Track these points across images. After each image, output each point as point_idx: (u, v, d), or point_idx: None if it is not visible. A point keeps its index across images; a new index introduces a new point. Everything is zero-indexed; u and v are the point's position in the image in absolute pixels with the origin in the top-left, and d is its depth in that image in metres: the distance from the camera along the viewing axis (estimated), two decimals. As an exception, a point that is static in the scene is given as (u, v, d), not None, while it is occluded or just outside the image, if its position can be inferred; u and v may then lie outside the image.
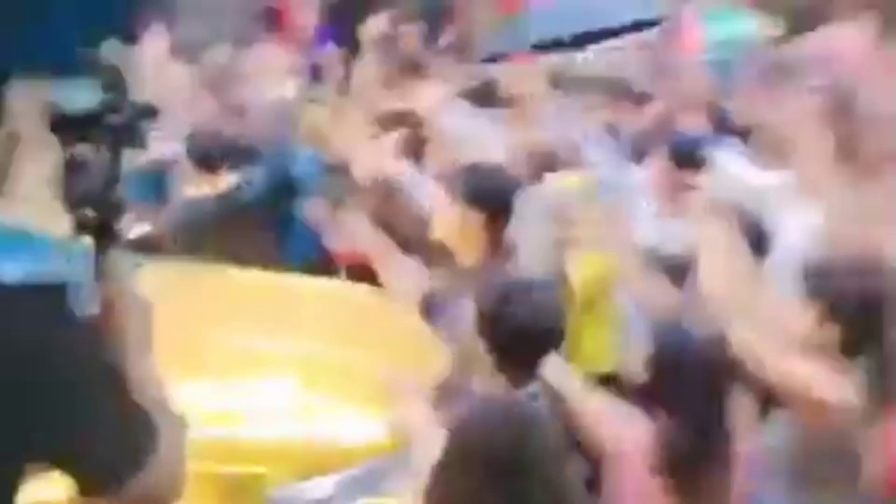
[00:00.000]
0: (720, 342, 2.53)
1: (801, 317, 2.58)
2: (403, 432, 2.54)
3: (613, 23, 8.25)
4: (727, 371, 2.54)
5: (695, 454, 2.45)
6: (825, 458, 2.56)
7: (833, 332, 2.55)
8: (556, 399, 2.53)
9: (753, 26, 8.93)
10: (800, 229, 3.28)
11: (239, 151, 5.07)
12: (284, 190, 5.11)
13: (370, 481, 2.72)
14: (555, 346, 2.58)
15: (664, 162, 3.67)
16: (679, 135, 4.05)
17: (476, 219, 3.14)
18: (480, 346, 2.56)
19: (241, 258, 4.24)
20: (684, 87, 4.65)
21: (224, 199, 4.70)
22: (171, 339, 1.49)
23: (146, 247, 4.29)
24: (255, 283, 3.99)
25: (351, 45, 6.33)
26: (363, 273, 5.08)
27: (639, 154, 3.92)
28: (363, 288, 4.26)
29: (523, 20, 8.82)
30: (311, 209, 5.28)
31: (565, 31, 8.08)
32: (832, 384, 2.48)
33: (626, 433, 2.53)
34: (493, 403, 1.97)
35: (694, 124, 4.28)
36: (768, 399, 2.62)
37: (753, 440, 2.67)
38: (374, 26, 5.41)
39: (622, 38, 8.07)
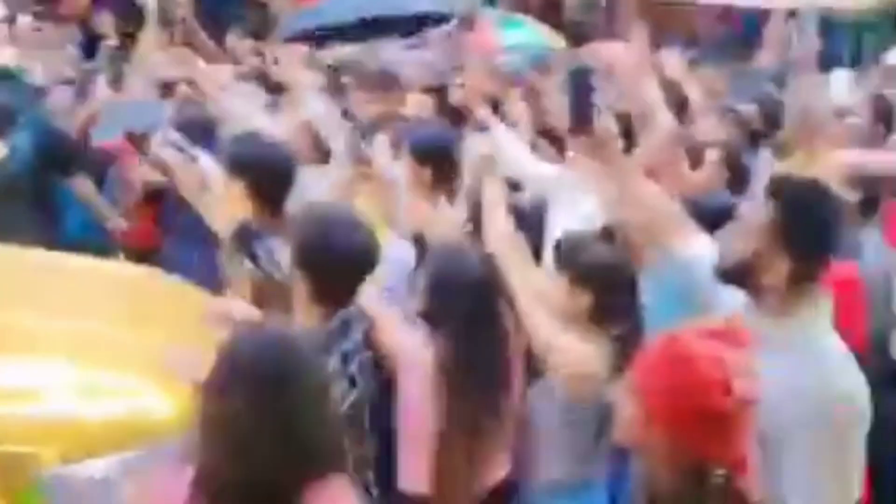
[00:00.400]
0: (493, 264, 2.73)
1: (556, 287, 2.79)
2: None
3: (405, 12, 8.47)
4: (500, 291, 2.73)
5: (468, 373, 2.63)
6: (581, 427, 2.78)
7: (581, 302, 2.76)
8: (369, 324, 2.64)
9: (542, 37, 9.48)
10: (574, 216, 3.53)
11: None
12: (55, 160, 4.85)
13: (148, 462, 2.67)
14: (368, 273, 2.65)
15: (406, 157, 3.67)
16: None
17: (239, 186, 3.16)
18: (298, 277, 2.59)
19: (7, 234, 4.05)
20: (474, 81, 4.86)
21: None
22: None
23: None
24: (26, 260, 3.82)
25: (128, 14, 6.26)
26: (142, 254, 4.98)
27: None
28: (142, 269, 4.19)
29: (318, 9, 8.91)
30: (82, 183, 5.10)
31: (357, 17, 8.19)
32: (581, 354, 2.68)
33: (412, 347, 2.69)
34: (265, 329, 2.00)
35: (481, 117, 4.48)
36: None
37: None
38: None
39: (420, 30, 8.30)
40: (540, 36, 9.89)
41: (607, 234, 2.93)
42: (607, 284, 2.77)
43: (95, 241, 4.99)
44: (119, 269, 4.29)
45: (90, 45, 7.45)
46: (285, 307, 2.68)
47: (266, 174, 3.17)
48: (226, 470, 1.77)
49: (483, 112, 4.43)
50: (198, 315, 3.22)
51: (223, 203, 3.23)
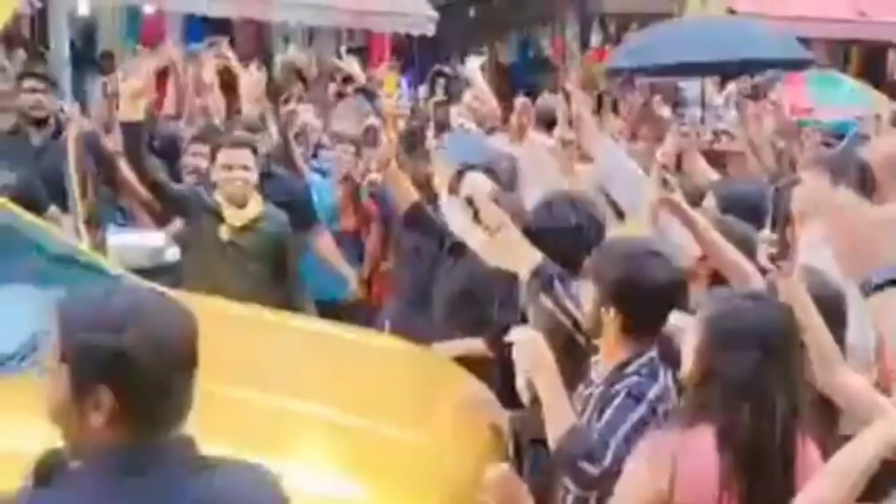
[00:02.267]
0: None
1: None
2: None
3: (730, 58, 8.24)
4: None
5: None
6: None
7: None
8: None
9: (864, 97, 8.69)
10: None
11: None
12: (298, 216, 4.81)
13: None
14: (677, 303, 2.63)
15: None
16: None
17: None
18: (608, 313, 2.59)
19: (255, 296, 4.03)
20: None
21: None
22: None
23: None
24: (280, 327, 3.76)
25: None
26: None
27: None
28: (396, 342, 3.99)
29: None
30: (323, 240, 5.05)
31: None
32: None
33: None
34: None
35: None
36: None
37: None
38: None
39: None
40: (861, 95, 9.12)
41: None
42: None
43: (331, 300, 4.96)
44: (375, 340, 4.13)
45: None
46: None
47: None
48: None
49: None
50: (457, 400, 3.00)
51: (522, 243, 3.09)
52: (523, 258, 3.07)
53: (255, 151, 4.41)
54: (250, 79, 5.67)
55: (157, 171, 4.40)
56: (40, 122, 4.97)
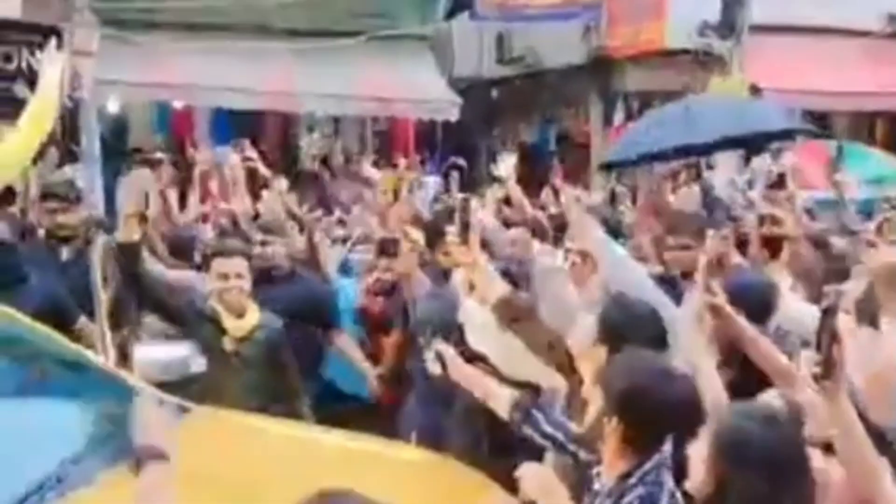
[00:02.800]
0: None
1: None
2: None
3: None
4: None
5: None
6: None
7: None
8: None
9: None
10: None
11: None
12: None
13: None
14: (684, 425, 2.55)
15: None
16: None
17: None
18: (612, 422, 2.55)
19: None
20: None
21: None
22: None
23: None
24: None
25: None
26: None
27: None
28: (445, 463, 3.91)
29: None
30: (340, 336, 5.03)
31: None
32: None
33: None
34: None
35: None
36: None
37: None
38: None
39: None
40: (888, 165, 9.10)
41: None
42: None
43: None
44: (399, 453, 4.06)
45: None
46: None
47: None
48: None
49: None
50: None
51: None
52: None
53: (249, 259, 4.43)
54: (272, 193, 5.76)
55: (157, 288, 4.38)
56: (67, 238, 5.03)
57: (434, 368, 3.48)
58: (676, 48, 12.40)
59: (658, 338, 3.10)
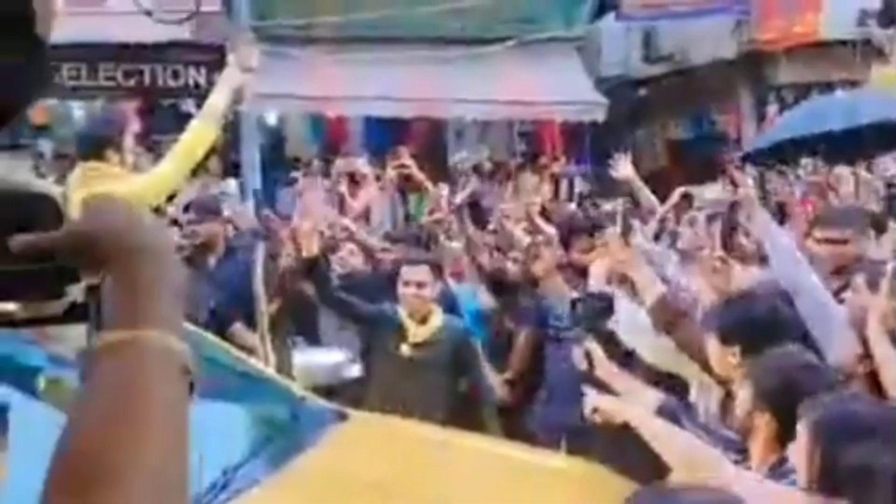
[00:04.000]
0: None
1: None
2: None
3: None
4: None
5: None
6: None
7: None
8: None
9: None
10: None
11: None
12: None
13: None
14: None
15: None
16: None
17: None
18: (764, 417, 2.65)
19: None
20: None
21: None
22: None
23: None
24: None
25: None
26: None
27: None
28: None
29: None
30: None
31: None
32: None
33: None
34: None
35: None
36: None
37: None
38: None
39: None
40: None
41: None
42: None
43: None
44: (551, 461, 4.10)
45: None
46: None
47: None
48: None
49: None
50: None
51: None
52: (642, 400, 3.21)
53: (436, 267, 4.59)
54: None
55: (340, 292, 4.63)
56: (207, 247, 5.25)
57: (581, 365, 3.56)
58: (834, 39, 11.99)
59: (797, 336, 3.08)
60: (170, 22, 5.14)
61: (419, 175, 7.16)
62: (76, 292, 0.91)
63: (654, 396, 3.26)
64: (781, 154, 9.15)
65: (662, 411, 3.14)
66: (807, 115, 9.66)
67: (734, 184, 4.09)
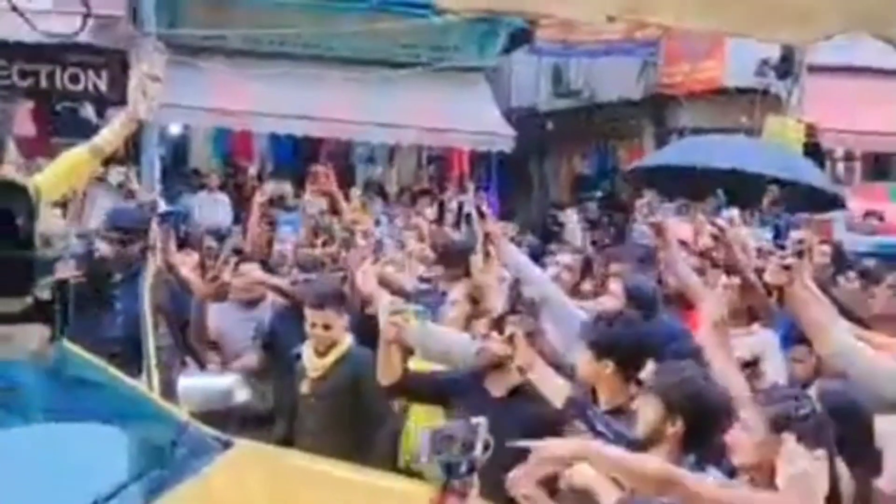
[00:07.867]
0: None
1: None
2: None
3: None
4: None
5: None
6: None
7: None
8: None
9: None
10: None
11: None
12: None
13: None
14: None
15: None
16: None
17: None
18: (670, 428, 2.84)
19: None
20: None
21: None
22: None
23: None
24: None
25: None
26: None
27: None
28: None
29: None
30: None
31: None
32: None
33: None
34: None
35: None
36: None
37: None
38: None
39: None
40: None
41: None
42: None
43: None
44: None
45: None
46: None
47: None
48: None
49: None
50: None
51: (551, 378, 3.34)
52: (555, 391, 3.27)
53: (341, 300, 4.48)
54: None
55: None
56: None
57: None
58: (734, 87, 12.36)
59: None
60: (59, 37, 4.88)
61: (339, 195, 6.96)
62: (43, 289, 0.81)
63: (565, 386, 3.31)
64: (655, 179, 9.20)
65: (573, 402, 3.23)
66: (690, 147, 10.07)
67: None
